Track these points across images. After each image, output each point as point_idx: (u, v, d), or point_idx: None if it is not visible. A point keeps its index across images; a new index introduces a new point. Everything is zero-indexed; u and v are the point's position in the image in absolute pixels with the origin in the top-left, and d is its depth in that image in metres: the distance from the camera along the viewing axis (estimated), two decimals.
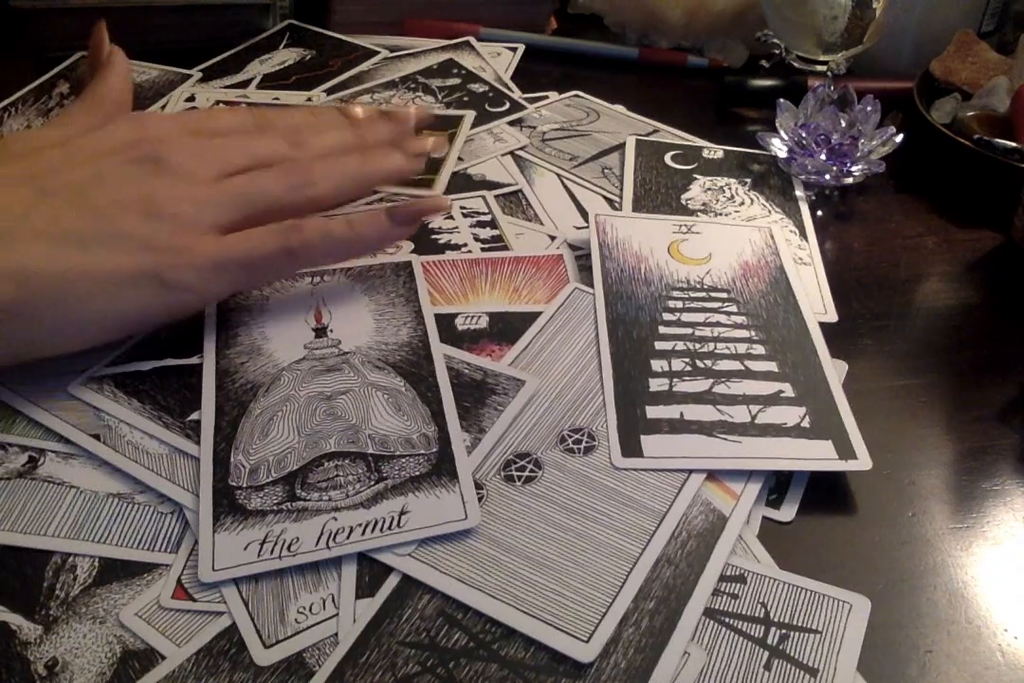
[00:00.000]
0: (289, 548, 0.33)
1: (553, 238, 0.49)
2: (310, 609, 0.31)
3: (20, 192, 0.36)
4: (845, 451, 0.36)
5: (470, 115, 0.58)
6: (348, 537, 0.33)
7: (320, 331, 0.41)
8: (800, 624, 0.32)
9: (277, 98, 0.60)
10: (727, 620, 0.32)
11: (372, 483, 0.35)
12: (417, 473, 0.35)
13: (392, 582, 0.32)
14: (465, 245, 0.47)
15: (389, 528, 0.33)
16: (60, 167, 0.38)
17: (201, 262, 0.37)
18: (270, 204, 0.40)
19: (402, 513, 0.34)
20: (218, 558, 0.32)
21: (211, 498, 0.34)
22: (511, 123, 0.58)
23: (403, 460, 0.36)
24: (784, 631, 0.31)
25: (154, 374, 0.39)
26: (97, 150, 0.39)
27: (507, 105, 0.59)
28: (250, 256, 0.38)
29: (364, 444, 0.36)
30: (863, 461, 0.36)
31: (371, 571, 0.32)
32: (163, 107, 0.59)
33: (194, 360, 0.40)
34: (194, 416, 0.37)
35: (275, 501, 0.34)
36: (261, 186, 0.40)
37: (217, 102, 0.59)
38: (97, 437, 0.37)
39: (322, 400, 0.38)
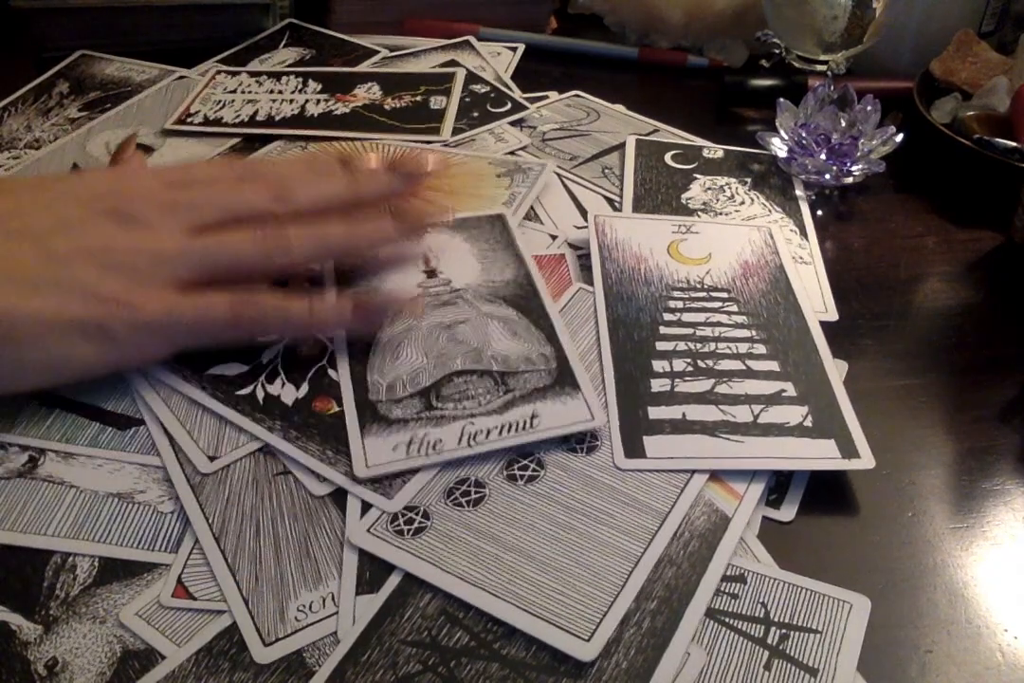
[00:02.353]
0: (434, 447, 0.36)
1: (554, 237, 0.49)
2: (310, 607, 0.31)
3: None
4: (848, 450, 0.36)
5: (461, 72, 0.60)
6: (487, 437, 0.36)
7: (431, 273, 0.44)
8: (800, 624, 0.32)
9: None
10: (727, 620, 0.32)
11: (501, 394, 0.38)
12: (541, 385, 0.38)
13: (394, 581, 0.32)
14: None
15: (524, 429, 0.36)
16: (28, 210, 0.37)
17: (147, 319, 0.36)
18: (237, 266, 0.39)
19: (533, 417, 0.37)
20: (370, 457, 0.35)
21: (355, 410, 0.37)
22: (512, 123, 0.58)
23: (526, 375, 0.39)
24: (784, 631, 0.31)
25: None
26: (68, 197, 0.38)
27: (508, 105, 0.59)
28: (198, 321, 0.37)
29: (488, 363, 0.39)
30: (866, 460, 0.36)
31: (372, 569, 0.32)
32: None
33: None
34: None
35: (414, 411, 0.37)
36: (230, 248, 0.38)
37: (223, 72, 0.59)
38: None
39: (443, 328, 0.41)
